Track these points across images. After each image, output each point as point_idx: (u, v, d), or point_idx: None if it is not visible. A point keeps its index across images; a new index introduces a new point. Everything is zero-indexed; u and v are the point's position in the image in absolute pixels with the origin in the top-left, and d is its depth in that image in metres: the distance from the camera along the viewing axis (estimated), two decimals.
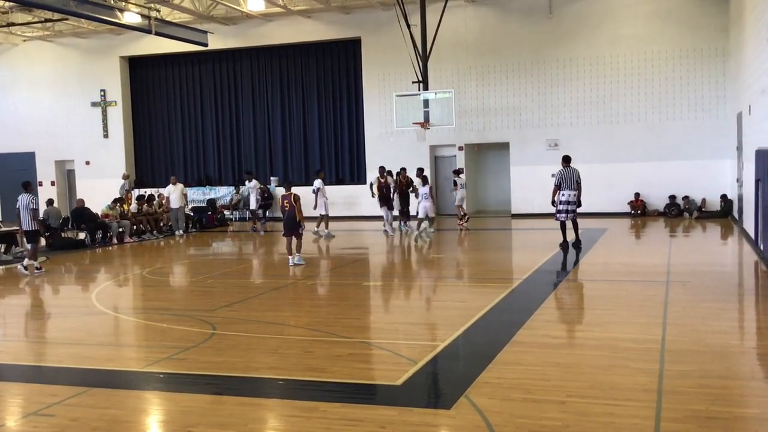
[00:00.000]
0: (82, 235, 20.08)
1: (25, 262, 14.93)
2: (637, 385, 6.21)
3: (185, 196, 22.55)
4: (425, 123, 21.93)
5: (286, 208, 14.33)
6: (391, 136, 24.80)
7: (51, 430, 5.69)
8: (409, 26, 21.51)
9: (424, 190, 18.74)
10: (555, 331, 8.49)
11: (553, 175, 22.26)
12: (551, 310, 9.72)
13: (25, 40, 28.64)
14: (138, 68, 29.00)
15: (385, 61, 25.00)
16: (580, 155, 16.38)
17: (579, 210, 15.52)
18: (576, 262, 14.16)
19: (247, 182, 23.58)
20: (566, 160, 15.65)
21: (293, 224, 14.29)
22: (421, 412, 5.83)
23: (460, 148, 25.02)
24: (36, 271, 14.82)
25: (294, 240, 14.42)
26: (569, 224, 15.52)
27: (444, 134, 24.12)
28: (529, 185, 24.02)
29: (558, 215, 15.45)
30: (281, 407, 6.20)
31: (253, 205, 22.89)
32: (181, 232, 22.10)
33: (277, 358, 7.70)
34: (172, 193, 21.94)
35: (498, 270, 14.27)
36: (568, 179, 15.36)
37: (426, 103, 21.96)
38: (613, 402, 5.84)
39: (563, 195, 15.34)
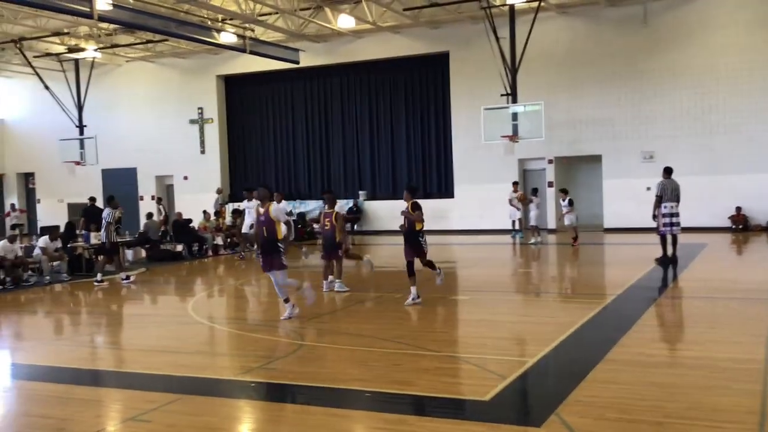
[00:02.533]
0: (179, 247, 20.78)
1: (99, 276, 15.39)
2: (739, 407, 5.90)
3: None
4: (514, 136, 21.67)
5: (326, 227, 12.52)
6: (479, 150, 24.64)
7: None
8: (497, 39, 21.35)
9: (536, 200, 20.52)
10: (651, 349, 8.17)
11: (648, 189, 21.77)
12: (647, 328, 9.37)
13: (127, 61, 30.04)
14: (233, 86, 29.93)
15: (474, 75, 24.90)
16: (677, 167, 15.78)
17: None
18: (674, 279, 13.64)
19: (246, 201, 19.21)
20: (668, 171, 15.17)
21: (332, 245, 12.52)
22: (510, 429, 5.71)
23: (550, 161, 24.60)
24: (118, 281, 15.30)
25: (334, 263, 12.72)
26: (669, 238, 14.98)
27: (533, 147, 23.75)
28: (623, 199, 23.35)
29: (662, 229, 14.93)
30: (368, 419, 6.21)
31: (245, 228, 19.25)
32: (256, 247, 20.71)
33: (364, 370, 7.73)
34: (249, 209, 20.04)
35: (590, 285, 13.88)
36: (670, 190, 14.87)
37: (515, 116, 21.70)
38: (713, 424, 5.57)
39: (665, 207, 14.83)
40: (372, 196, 27.35)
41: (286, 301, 10.55)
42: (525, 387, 7.02)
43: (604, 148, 23.80)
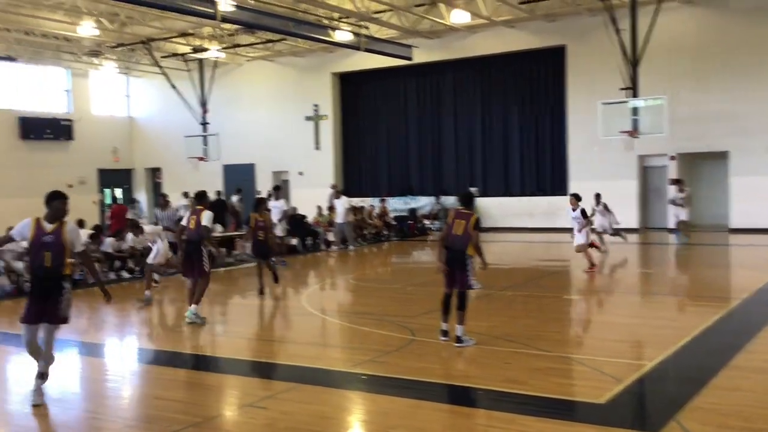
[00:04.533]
0: (294, 241, 21.36)
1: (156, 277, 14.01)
2: None
3: (350, 210, 20.98)
4: (634, 131, 20.90)
5: (457, 233, 8.49)
6: (595, 146, 23.94)
7: (263, 422, 6.10)
8: (617, 31, 20.64)
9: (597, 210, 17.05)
10: None
11: None
12: None
13: (248, 60, 31.10)
14: (347, 83, 30.42)
15: (591, 69, 24.20)
16: None
17: None
18: None
19: (272, 199, 16.81)
20: None
21: (463, 260, 8.45)
22: None
23: (672, 158, 23.59)
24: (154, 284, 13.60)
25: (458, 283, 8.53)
26: None
27: (654, 143, 22.80)
28: (752, 198, 22.06)
29: None
30: (478, 416, 6.19)
31: (279, 231, 17.77)
32: (351, 247, 20.93)
33: (474, 367, 7.70)
34: (338, 207, 20.91)
35: (714, 288, 13.22)
36: None
37: (635, 110, 20.91)
38: None
39: None
40: (483, 193, 27.15)
41: (42, 376, 6.84)
42: (642, 391, 6.79)
43: (732, 144, 22.57)
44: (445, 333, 8.64)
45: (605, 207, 17.83)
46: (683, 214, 18.77)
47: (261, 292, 12.86)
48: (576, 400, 6.56)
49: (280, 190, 17.73)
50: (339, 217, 20.96)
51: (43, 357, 6.82)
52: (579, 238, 14.83)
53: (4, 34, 25.48)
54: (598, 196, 17.92)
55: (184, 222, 11.00)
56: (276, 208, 17.98)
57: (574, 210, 14.86)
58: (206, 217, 10.55)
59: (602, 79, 23.41)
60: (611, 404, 6.19)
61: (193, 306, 10.33)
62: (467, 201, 9.01)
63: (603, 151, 23.92)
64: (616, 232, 18.11)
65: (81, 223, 16.60)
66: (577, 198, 15.04)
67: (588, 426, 5.71)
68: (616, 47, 20.70)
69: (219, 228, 20.65)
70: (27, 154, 30.44)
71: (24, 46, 27.28)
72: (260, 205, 13.09)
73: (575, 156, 25.13)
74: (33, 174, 29.08)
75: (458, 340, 8.40)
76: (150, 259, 13.16)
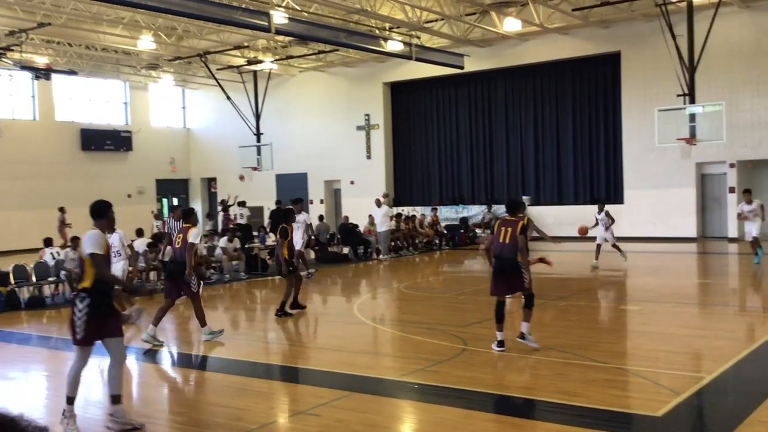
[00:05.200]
0: (346, 250, 21.49)
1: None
2: None
3: (390, 218, 20.99)
4: (691, 139, 20.45)
5: (505, 240, 8.45)
6: (651, 153, 23.51)
7: (316, 429, 6.14)
8: (674, 36, 20.24)
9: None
10: None
11: None
12: None
13: (301, 71, 31.48)
14: (399, 93, 30.52)
15: (646, 75, 23.80)
16: None
17: None
18: None
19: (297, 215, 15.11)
20: None
21: (515, 268, 8.44)
22: None
23: (732, 165, 22.99)
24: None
25: (514, 297, 8.96)
26: None
27: (713, 150, 22.29)
28: None
29: None
30: (532, 428, 6.12)
31: (298, 245, 15.17)
32: (385, 257, 20.78)
33: (528, 377, 7.63)
34: (377, 216, 20.96)
35: None
36: None
37: (692, 117, 20.45)
38: None
39: None
40: (536, 201, 26.90)
41: (116, 400, 6.34)
42: (701, 404, 6.63)
43: None
44: (501, 343, 8.56)
45: (608, 214, 17.08)
46: (755, 229, 16.45)
47: (300, 305, 12.20)
48: (632, 412, 6.43)
49: (302, 202, 16.92)
50: (378, 226, 21.07)
51: (117, 377, 6.36)
52: None
53: (65, 49, 26.36)
54: (602, 205, 17.48)
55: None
56: (299, 223, 17.38)
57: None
58: (193, 234, 9.92)
59: (658, 86, 23.02)
60: (668, 417, 6.06)
61: (204, 328, 10.00)
62: (513, 208, 8.93)
63: (659, 159, 23.49)
64: (614, 246, 17.29)
65: (140, 232, 17.04)
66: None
67: None
68: (673, 53, 20.31)
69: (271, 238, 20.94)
70: (88, 164, 31.37)
71: (85, 60, 28.18)
72: (292, 216, 12.92)
73: (630, 164, 24.71)
74: (94, 184, 29.94)
75: (522, 336, 8.53)
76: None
